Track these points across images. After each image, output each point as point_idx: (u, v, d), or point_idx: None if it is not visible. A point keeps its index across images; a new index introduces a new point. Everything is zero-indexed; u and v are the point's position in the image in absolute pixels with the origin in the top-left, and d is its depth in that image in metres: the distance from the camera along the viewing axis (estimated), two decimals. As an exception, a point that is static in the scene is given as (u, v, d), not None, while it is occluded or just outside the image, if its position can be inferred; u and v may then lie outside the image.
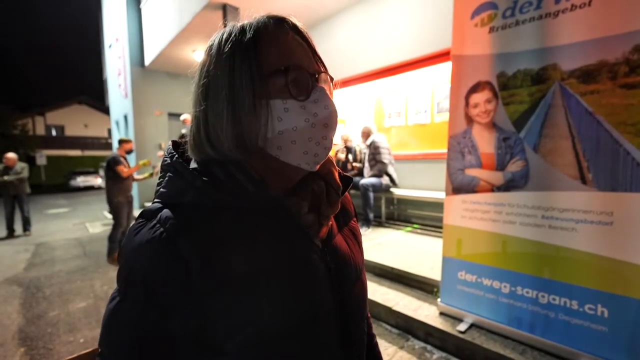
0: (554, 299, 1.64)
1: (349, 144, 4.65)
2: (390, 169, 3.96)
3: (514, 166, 1.76)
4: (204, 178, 0.40)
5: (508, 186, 1.79)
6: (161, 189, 0.43)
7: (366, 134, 4.11)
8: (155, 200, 0.43)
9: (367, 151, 4.08)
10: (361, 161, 4.41)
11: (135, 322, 0.37)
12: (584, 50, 1.52)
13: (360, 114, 5.49)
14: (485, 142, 1.87)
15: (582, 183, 1.54)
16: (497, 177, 1.83)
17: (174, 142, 0.47)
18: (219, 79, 0.41)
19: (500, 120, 1.80)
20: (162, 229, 0.38)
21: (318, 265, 0.46)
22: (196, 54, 6.04)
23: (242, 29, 0.42)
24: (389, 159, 3.96)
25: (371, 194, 3.80)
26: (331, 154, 0.49)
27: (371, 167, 3.97)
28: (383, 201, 4.24)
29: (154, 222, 0.39)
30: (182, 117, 5.58)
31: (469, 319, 1.97)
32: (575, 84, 1.55)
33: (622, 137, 1.43)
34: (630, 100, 1.42)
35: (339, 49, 4.81)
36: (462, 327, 1.93)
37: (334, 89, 0.49)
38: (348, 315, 0.49)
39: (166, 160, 0.44)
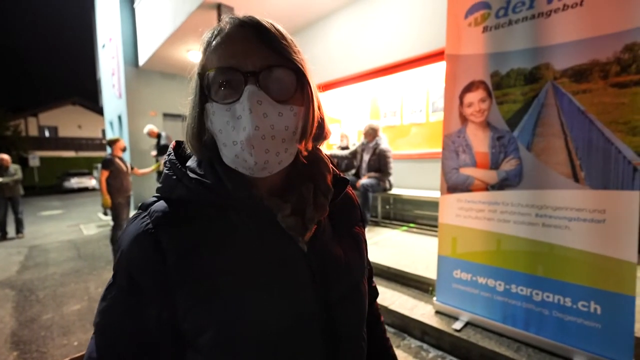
0: (547, 297, 1.65)
1: (343, 142, 4.63)
2: (391, 177, 3.92)
3: (508, 165, 1.77)
4: (191, 175, 0.43)
5: (502, 185, 1.80)
6: (158, 184, 0.46)
7: (372, 135, 3.91)
8: (155, 194, 0.46)
9: (367, 152, 3.95)
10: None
11: (120, 304, 0.40)
12: (576, 49, 1.53)
13: (356, 114, 5.50)
14: (479, 141, 1.88)
15: (575, 181, 1.55)
16: (491, 176, 1.84)
17: (177, 142, 0.50)
18: (192, 82, 0.44)
19: (494, 119, 1.81)
20: (148, 221, 0.41)
21: (299, 269, 0.45)
22: (191, 54, 6.00)
23: (210, 32, 0.43)
24: (393, 167, 3.88)
25: (370, 194, 3.79)
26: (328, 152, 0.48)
27: (369, 170, 3.91)
28: (379, 201, 4.25)
29: (145, 214, 0.42)
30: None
31: (465, 317, 1.98)
32: (567, 83, 1.56)
33: (613, 135, 1.45)
34: (621, 99, 1.43)
35: (333, 49, 4.81)
36: (457, 325, 1.94)
37: (320, 90, 0.48)
38: (337, 326, 0.47)
39: (165, 158, 0.47)
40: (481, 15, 1.84)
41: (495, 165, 1.82)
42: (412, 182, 4.14)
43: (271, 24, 0.42)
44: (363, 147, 4.03)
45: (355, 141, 5.01)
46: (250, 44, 0.40)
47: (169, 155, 0.47)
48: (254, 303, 0.41)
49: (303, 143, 0.46)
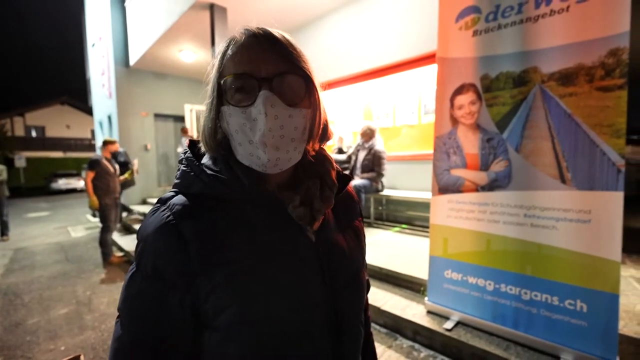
0: (536, 296, 1.68)
1: (339, 144, 4.65)
2: (383, 178, 3.96)
3: (497, 166, 1.80)
4: (209, 172, 0.47)
5: (492, 186, 1.83)
6: (175, 180, 0.50)
7: (369, 135, 3.96)
8: (172, 189, 0.50)
9: (362, 152, 3.97)
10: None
11: (144, 291, 0.43)
12: (562, 54, 1.57)
13: (349, 115, 5.52)
14: (469, 142, 1.91)
15: (562, 182, 1.59)
16: (481, 177, 1.87)
17: (191, 141, 0.54)
18: (208, 87, 0.49)
19: (484, 121, 1.84)
20: (169, 214, 0.44)
21: (309, 257, 0.49)
22: (183, 54, 5.95)
23: (226, 42, 0.47)
24: (386, 169, 3.93)
25: (363, 195, 3.81)
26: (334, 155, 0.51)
27: (363, 171, 3.94)
28: (372, 202, 4.26)
29: (165, 207, 0.46)
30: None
31: (455, 316, 2.00)
32: (554, 87, 1.60)
33: (598, 138, 1.49)
34: (606, 102, 1.47)
35: (325, 52, 4.83)
36: (448, 325, 1.96)
37: (323, 89, 0.52)
38: (341, 312, 0.51)
39: (181, 156, 0.51)
40: (471, 20, 1.88)
41: (485, 166, 1.85)
42: (404, 183, 4.18)
43: (281, 34, 0.47)
44: (359, 148, 4.07)
45: (350, 143, 5.02)
46: (264, 52, 0.45)
47: (184, 152, 0.51)
48: (269, 287, 0.45)
49: (311, 143, 0.52)
